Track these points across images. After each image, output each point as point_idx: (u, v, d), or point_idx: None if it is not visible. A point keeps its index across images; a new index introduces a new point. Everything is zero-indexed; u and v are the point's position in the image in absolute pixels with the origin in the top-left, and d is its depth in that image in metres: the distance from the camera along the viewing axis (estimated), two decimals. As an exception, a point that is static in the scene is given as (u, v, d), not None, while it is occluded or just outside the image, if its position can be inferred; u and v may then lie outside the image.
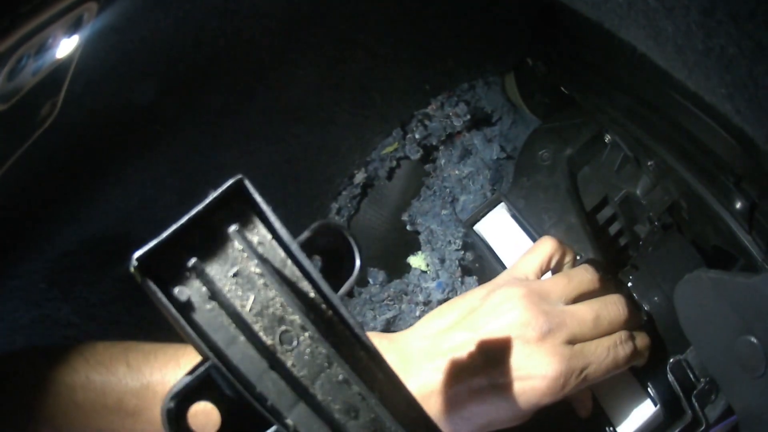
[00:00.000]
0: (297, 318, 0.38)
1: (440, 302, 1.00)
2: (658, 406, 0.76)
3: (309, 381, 0.39)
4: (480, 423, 0.71)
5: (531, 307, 0.72)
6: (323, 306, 0.40)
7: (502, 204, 0.93)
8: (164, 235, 0.37)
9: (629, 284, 0.82)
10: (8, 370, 0.73)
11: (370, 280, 1.08)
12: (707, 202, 0.74)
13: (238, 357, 0.38)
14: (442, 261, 1.05)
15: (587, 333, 0.72)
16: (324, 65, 0.91)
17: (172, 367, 0.70)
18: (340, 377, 0.39)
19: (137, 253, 0.36)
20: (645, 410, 0.77)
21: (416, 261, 1.08)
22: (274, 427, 0.37)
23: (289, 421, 0.38)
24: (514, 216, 0.92)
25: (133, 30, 0.69)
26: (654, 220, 0.85)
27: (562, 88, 0.97)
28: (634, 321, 0.76)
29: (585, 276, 0.77)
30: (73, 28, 0.59)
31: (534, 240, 0.89)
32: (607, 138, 0.90)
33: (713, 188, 0.74)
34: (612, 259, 0.86)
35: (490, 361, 0.70)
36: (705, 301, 0.69)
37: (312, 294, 0.40)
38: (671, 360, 0.77)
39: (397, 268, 1.10)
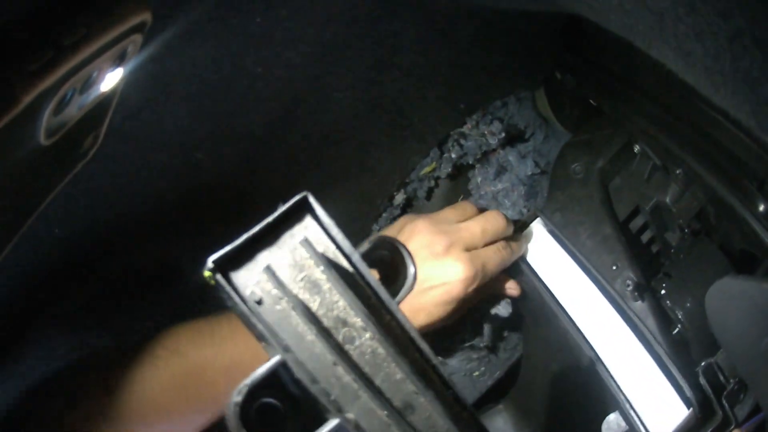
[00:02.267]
0: (359, 320, 0.42)
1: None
2: (691, 408, 0.77)
3: (370, 377, 0.42)
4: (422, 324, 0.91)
5: (432, 229, 0.92)
6: (382, 311, 0.43)
7: (539, 219, 0.95)
8: (238, 241, 0.40)
9: (662, 292, 0.84)
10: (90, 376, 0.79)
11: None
12: (733, 207, 0.76)
13: (305, 353, 0.40)
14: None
15: (478, 241, 0.92)
16: (360, 88, 0.93)
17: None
18: (398, 376, 0.42)
19: (213, 257, 0.39)
20: (678, 413, 0.78)
21: None
22: (336, 420, 0.40)
23: (350, 415, 0.40)
24: (551, 231, 0.94)
25: (173, 59, 0.70)
26: (684, 227, 0.86)
27: (591, 100, 0.99)
28: (510, 229, 0.95)
29: (468, 204, 1.02)
30: (118, 61, 0.58)
31: (571, 254, 0.91)
32: (636, 148, 0.91)
33: (738, 192, 0.76)
34: (645, 266, 0.87)
35: None
36: (734, 305, 0.70)
37: (372, 299, 0.43)
38: (703, 363, 0.78)
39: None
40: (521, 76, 1.06)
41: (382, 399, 0.41)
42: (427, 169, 1.09)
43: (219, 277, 0.40)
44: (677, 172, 0.85)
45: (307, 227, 0.43)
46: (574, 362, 0.88)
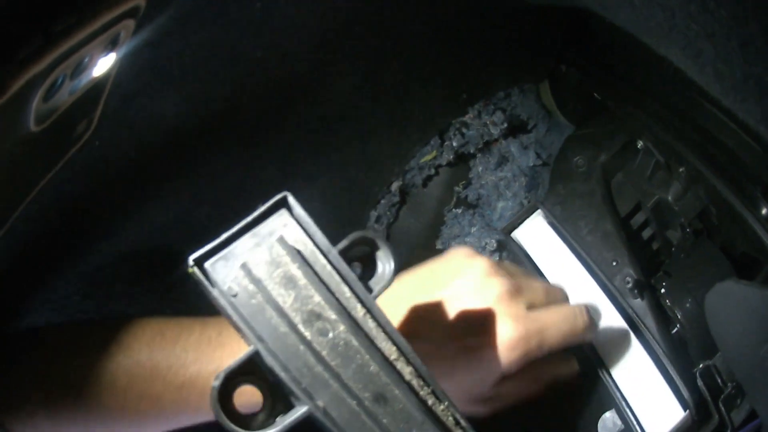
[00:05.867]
0: (332, 314, 0.45)
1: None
2: (688, 410, 0.76)
3: (341, 369, 0.44)
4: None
5: (491, 270, 0.74)
6: (358, 306, 0.46)
7: (539, 211, 0.94)
8: (217, 240, 0.45)
9: (662, 290, 0.84)
10: (49, 338, 0.74)
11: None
12: (735, 209, 0.76)
13: (278, 344, 0.44)
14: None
15: (541, 299, 0.77)
16: (360, 76, 0.92)
17: (216, 357, 0.71)
18: (372, 368, 0.45)
19: (193, 255, 0.44)
20: (675, 414, 0.78)
21: None
22: (306, 407, 0.43)
23: (320, 403, 0.43)
24: (551, 223, 0.93)
25: (169, 44, 0.68)
26: (686, 226, 0.86)
27: (595, 95, 0.98)
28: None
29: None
30: (111, 46, 0.58)
31: (571, 248, 0.90)
32: (640, 144, 0.90)
33: (741, 195, 0.76)
34: (645, 264, 0.87)
35: (452, 324, 0.73)
36: (733, 310, 0.70)
37: (348, 294, 0.46)
38: (701, 365, 0.78)
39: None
40: (525, 69, 1.06)
41: (353, 389, 0.45)
42: (428, 157, 1.09)
43: (198, 273, 0.44)
44: (680, 170, 0.84)
45: (286, 225, 0.47)
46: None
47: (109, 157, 0.73)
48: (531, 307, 0.74)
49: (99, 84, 0.60)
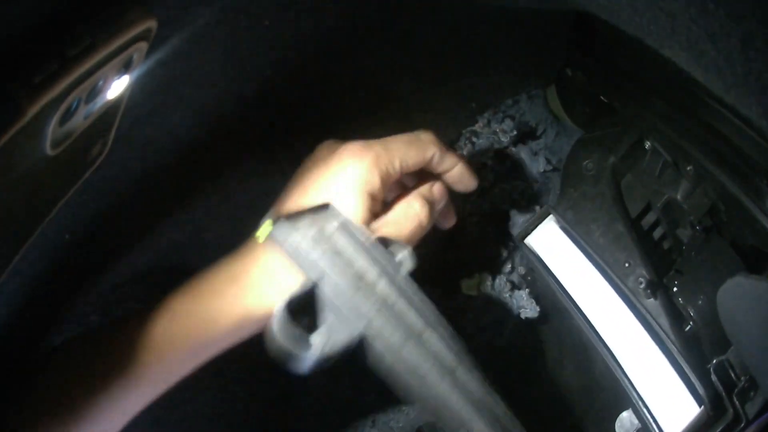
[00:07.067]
0: (374, 274, 0.64)
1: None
2: (703, 406, 0.77)
3: (385, 310, 0.63)
4: None
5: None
6: (393, 273, 0.66)
7: (551, 216, 0.95)
8: (289, 213, 0.66)
9: (674, 289, 0.84)
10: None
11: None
12: (743, 203, 0.76)
13: (333, 280, 0.62)
14: (493, 277, 1.07)
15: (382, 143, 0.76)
16: (370, 89, 0.93)
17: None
18: (410, 314, 0.64)
19: (270, 217, 0.67)
20: (690, 411, 0.78)
21: (468, 286, 1.10)
22: (357, 331, 0.61)
23: (368, 329, 0.61)
24: (563, 228, 0.93)
25: (181, 64, 0.69)
26: (695, 224, 0.86)
27: (602, 97, 0.99)
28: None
29: None
30: (124, 68, 0.57)
31: (584, 252, 0.90)
32: (647, 144, 0.90)
33: (748, 189, 0.76)
34: (657, 263, 0.87)
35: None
36: (745, 304, 0.70)
37: (384, 263, 0.65)
38: (714, 361, 0.78)
39: (451, 287, 1.11)
40: (532, 74, 1.06)
41: (394, 325, 0.61)
42: (441, 168, 1.09)
43: (274, 229, 0.65)
44: (688, 168, 0.85)
45: (334, 217, 0.66)
46: (588, 360, 0.88)
47: (124, 177, 0.74)
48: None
49: (113, 107, 0.60)
